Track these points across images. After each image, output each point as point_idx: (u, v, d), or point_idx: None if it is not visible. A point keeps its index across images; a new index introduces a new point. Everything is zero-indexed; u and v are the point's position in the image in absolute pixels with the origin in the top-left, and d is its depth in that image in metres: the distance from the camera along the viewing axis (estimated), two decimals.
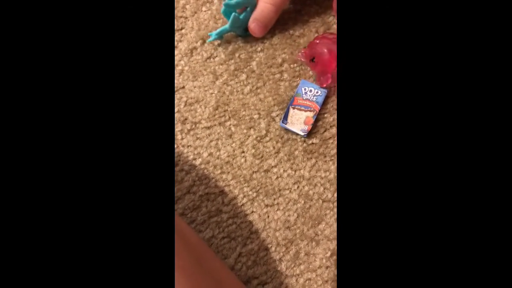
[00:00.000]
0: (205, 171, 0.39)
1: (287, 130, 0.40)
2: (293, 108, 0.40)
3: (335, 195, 0.38)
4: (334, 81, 0.40)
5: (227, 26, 0.41)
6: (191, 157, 0.40)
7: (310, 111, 0.40)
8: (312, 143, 0.40)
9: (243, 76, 0.42)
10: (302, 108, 0.40)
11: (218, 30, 0.42)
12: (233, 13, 0.40)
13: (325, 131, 0.40)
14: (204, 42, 0.44)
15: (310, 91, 0.41)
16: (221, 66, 0.43)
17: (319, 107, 0.40)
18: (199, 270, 0.28)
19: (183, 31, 0.44)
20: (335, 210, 0.37)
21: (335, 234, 0.36)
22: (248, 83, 0.42)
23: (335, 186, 0.38)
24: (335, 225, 0.37)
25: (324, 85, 0.40)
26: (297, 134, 0.40)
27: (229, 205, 0.38)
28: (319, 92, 0.40)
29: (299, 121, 0.40)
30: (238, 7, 0.41)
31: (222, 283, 0.30)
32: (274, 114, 0.41)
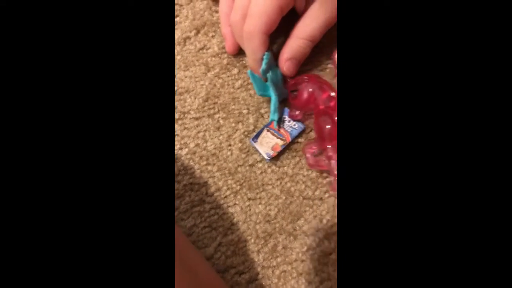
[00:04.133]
0: (191, 161, 0.40)
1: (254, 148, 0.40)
2: (268, 131, 0.40)
3: (316, 193, 0.39)
4: (305, 119, 0.40)
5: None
6: (178, 146, 0.40)
7: (281, 139, 0.40)
8: (298, 142, 0.41)
9: (235, 70, 0.43)
10: (275, 134, 0.40)
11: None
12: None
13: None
14: (198, 32, 0.44)
15: (288, 121, 0.40)
16: (213, 59, 0.43)
17: (290, 139, 0.40)
18: (176, 263, 0.29)
19: (177, 19, 0.44)
20: (314, 207, 0.39)
21: (313, 230, 0.38)
22: (240, 77, 0.43)
23: (316, 184, 0.39)
24: (313, 222, 0.38)
25: (294, 119, 0.40)
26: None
27: (212, 196, 0.39)
28: (296, 125, 0.40)
29: (268, 144, 0.39)
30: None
31: (199, 275, 0.31)
32: (263, 111, 0.42)
